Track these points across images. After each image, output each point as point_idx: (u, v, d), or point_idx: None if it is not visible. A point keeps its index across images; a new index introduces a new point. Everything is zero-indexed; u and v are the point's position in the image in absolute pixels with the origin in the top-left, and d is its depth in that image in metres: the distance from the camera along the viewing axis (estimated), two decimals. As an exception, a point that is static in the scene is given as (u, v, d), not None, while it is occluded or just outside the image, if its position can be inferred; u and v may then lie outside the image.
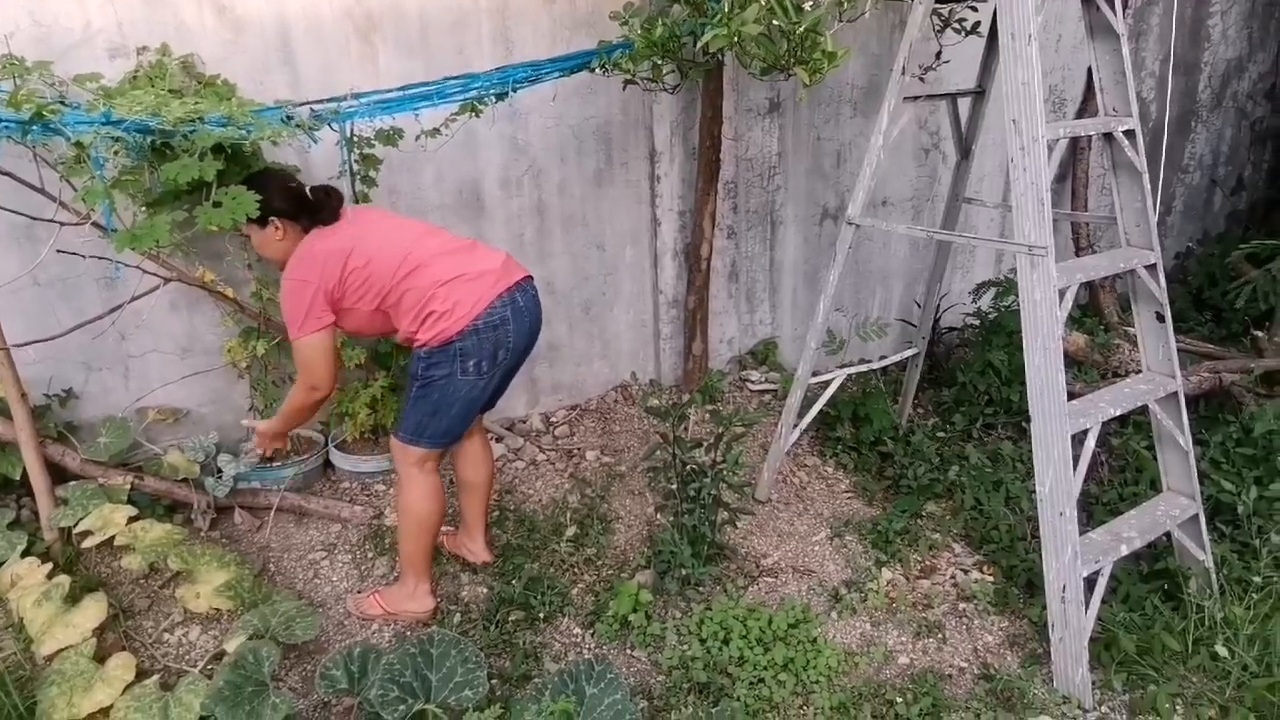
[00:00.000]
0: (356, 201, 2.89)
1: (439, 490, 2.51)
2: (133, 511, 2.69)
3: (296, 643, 2.38)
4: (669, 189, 3.74)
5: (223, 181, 2.02)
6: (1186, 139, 4.97)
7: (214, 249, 3.05)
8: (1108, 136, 2.52)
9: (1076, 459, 2.30)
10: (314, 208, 2.35)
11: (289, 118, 2.23)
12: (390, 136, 2.74)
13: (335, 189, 2.42)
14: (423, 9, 3.17)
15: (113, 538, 2.60)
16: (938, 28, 3.32)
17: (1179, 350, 2.79)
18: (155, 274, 2.86)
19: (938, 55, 3.44)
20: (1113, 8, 2.48)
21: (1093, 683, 2.32)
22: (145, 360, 3.14)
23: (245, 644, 2.24)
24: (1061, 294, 2.30)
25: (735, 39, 2.04)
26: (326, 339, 2.31)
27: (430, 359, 2.33)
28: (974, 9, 3.15)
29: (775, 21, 2.01)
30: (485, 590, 2.76)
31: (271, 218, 2.30)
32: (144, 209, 2.46)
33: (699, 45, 2.18)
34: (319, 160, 3.04)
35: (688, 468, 2.76)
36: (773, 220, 4.03)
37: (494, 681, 2.34)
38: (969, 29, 3.28)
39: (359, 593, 2.75)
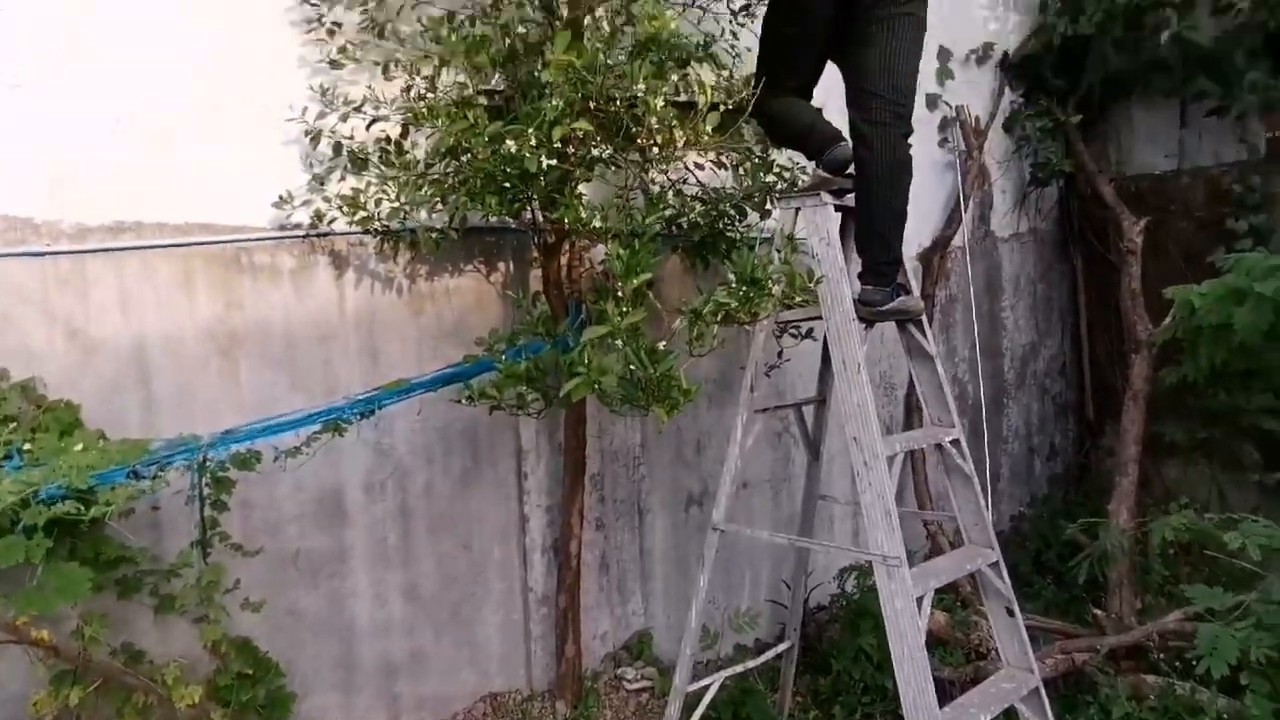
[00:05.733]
0: (205, 527, 2.73)
1: None
2: None
3: None
4: (536, 484, 3.76)
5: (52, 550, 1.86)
6: (1002, 414, 5.55)
7: (19, 578, 2.75)
8: (938, 445, 2.78)
9: (957, 774, 2.29)
10: None
11: (136, 474, 2.14)
12: (247, 460, 2.66)
13: None
14: (288, 325, 3.22)
15: None
16: (777, 334, 3.67)
17: (1029, 628, 2.92)
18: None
19: (779, 354, 3.78)
20: (925, 335, 2.84)
21: None
22: (-74, 718, 2.69)
23: None
24: (919, 602, 2.40)
25: (596, 386, 2.18)
26: None
27: None
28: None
29: (631, 366, 2.17)
30: None
31: None
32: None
33: (562, 394, 2.32)
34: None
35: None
36: (640, 509, 4.09)
37: None
38: (803, 334, 3.66)
39: None
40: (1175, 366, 4.49)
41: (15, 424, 2.49)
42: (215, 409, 3.05)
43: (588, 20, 2.91)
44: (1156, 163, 5.30)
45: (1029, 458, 5.75)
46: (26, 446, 2.13)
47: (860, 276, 2.85)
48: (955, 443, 2.77)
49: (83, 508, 1.85)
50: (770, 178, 3.35)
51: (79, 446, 2.16)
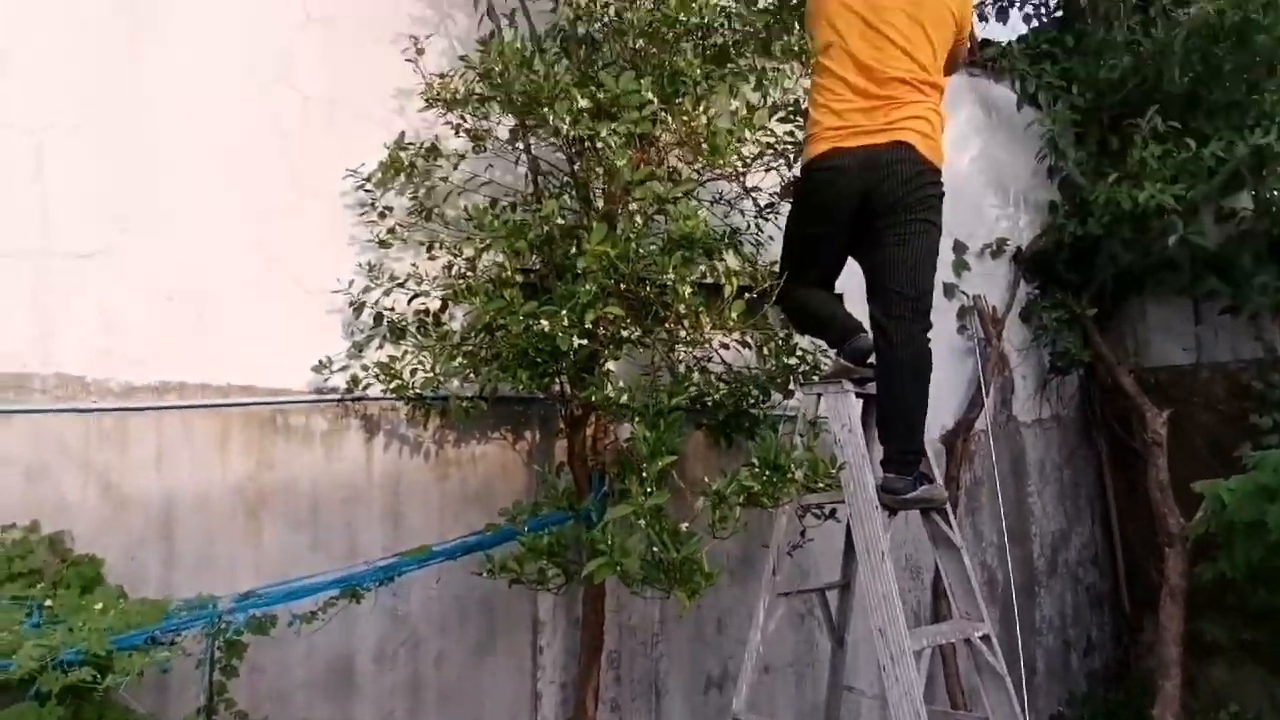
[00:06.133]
0: (212, 694, 2.66)
1: None
2: None
3: None
4: (551, 659, 3.65)
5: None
6: (1034, 603, 5.35)
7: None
8: (967, 640, 2.69)
9: None
10: None
11: (154, 639, 2.14)
12: (263, 625, 2.63)
13: None
14: (315, 486, 3.27)
15: None
16: (799, 514, 3.65)
17: None
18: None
19: (802, 534, 3.73)
20: (950, 524, 2.82)
21: None
22: None
23: None
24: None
25: (618, 567, 2.18)
26: None
27: None
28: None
29: (654, 548, 2.18)
30: None
31: None
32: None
33: (584, 574, 2.32)
34: (175, 644, 2.85)
35: None
36: (657, 690, 3.92)
37: None
38: (826, 515, 3.63)
39: None
40: (1211, 562, 4.36)
41: (40, 579, 2.51)
42: (235, 568, 3.05)
43: (621, 210, 3.13)
44: (1174, 355, 5.37)
45: (1065, 652, 5.48)
46: (48, 603, 2.14)
47: (883, 464, 2.87)
48: (985, 638, 2.68)
49: (98, 675, 1.83)
50: (793, 360, 3.45)
51: (99, 605, 2.16)
